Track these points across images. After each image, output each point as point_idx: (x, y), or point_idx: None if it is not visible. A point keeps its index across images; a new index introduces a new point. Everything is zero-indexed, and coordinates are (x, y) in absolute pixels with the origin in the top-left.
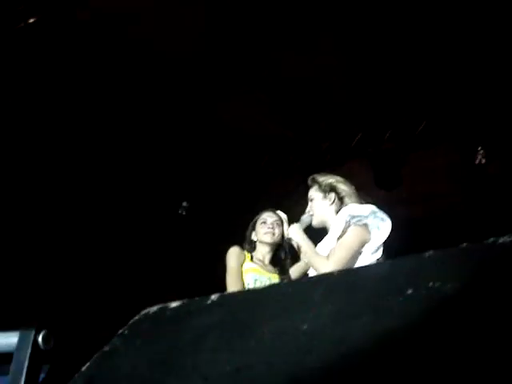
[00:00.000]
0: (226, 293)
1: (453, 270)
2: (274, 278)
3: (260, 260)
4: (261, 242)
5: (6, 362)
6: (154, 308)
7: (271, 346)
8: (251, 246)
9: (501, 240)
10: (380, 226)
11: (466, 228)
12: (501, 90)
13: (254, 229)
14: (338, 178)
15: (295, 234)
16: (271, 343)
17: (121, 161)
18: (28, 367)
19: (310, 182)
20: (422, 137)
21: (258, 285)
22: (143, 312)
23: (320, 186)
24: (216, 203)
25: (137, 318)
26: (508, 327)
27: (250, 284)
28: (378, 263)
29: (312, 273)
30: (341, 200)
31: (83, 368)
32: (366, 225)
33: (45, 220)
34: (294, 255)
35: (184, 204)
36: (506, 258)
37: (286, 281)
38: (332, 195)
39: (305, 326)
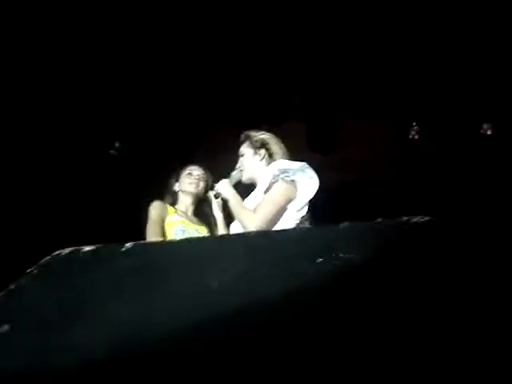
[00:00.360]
0: (141, 242)
1: (363, 243)
2: (202, 231)
3: (183, 212)
4: (184, 191)
5: None
6: (66, 250)
7: (178, 301)
8: (173, 198)
9: (414, 219)
10: (307, 183)
11: (393, 201)
12: (443, 71)
13: (177, 180)
14: (270, 135)
15: (224, 188)
16: (179, 298)
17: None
18: None
19: (242, 137)
20: (361, 106)
21: (187, 236)
22: (55, 253)
23: (251, 141)
24: (149, 149)
25: (48, 258)
26: (405, 298)
27: (178, 235)
28: (295, 228)
29: (238, 227)
30: (271, 156)
31: None
32: (293, 181)
33: None
34: (224, 211)
35: (116, 145)
36: (415, 237)
37: (210, 235)
38: (262, 151)
39: (214, 283)
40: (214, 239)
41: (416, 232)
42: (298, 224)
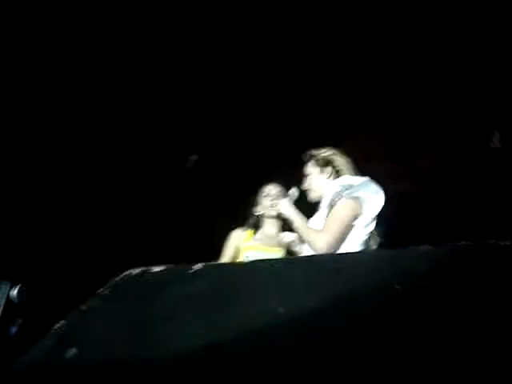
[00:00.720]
0: (209, 263)
1: (445, 269)
2: (276, 253)
3: (267, 235)
4: (266, 215)
5: None
6: (136, 270)
7: (246, 327)
8: (256, 221)
9: (503, 243)
10: (372, 198)
11: (469, 212)
12: None
13: (257, 204)
14: (334, 151)
15: (286, 208)
16: (246, 324)
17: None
18: (0, 320)
19: (306, 157)
20: (440, 116)
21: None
22: (125, 273)
23: (316, 160)
24: (227, 162)
25: (118, 279)
26: (492, 334)
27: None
28: (370, 252)
29: (306, 248)
30: (337, 173)
31: (57, 325)
32: (357, 197)
33: (25, 168)
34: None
35: (193, 157)
36: (505, 264)
37: (285, 256)
38: (329, 169)
39: (281, 310)
40: (284, 261)
41: (506, 258)
42: (367, 240)
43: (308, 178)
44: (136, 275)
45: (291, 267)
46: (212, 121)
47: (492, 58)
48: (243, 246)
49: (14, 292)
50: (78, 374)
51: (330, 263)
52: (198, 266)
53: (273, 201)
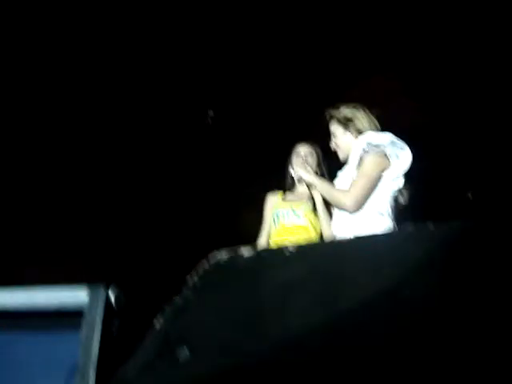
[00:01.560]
0: (303, 245)
1: None
2: (299, 207)
3: (297, 192)
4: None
5: (71, 316)
6: (224, 256)
7: (364, 311)
8: (290, 180)
9: None
10: (399, 154)
11: None
12: None
13: (291, 163)
14: (354, 107)
15: (305, 174)
16: (360, 307)
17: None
18: (102, 325)
19: (327, 116)
20: None
21: (279, 218)
22: (213, 260)
23: (338, 119)
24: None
25: (207, 267)
26: None
27: (273, 222)
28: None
29: (335, 210)
30: (360, 130)
31: (156, 323)
32: (384, 153)
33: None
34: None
35: (210, 113)
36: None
37: (311, 208)
38: (352, 127)
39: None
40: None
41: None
42: (395, 196)
43: (333, 138)
44: (226, 262)
45: (377, 243)
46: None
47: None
48: (274, 205)
49: (112, 296)
50: (197, 380)
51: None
52: (292, 247)
53: (301, 161)
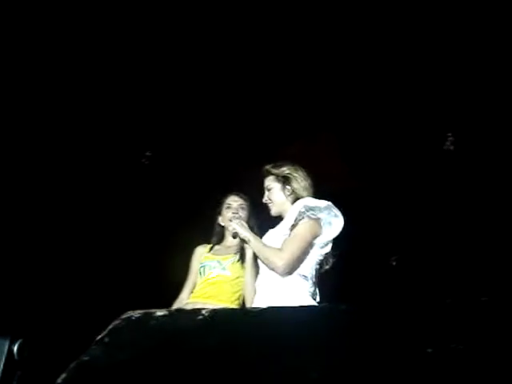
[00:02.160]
0: (215, 310)
1: (476, 330)
2: (227, 260)
3: (224, 245)
4: (226, 227)
5: None
6: (137, 314)
7: None
8: (219, 233)
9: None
10: (332, 221)
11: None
12: None
13: (220, 214)
14: (294, 170)
15: (240, 228)
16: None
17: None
18: (1, 376)
19: (265, 171)
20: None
21: (205, 270)
22: (124, 316)
23: (277, 176)
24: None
25: (117, 323)
26: None
27: (198, 273)
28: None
29: (262, 266)
30: (296, 192)
31: (59, 380)
32: (319, 219)
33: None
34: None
35: (147, 153)
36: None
37: (236, 261)
38: (289, 186)
39: (313, 374)
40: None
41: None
42: (322, 260)
43: (267, 192)
44: (137, 319)
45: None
46: (172, 118)
47: (444, 61)
48: (202, 257)
49: (15, 347)
50: None
51: (348, 316)
52: (206, 311)
53: (234, 214)
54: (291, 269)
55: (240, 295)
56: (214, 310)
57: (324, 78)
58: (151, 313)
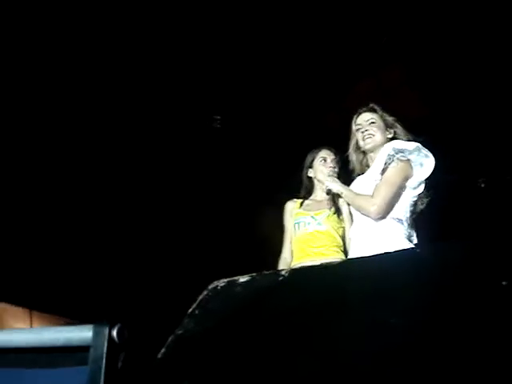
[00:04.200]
0: (295, 269)
1: None
2: (320, 215)
3: (315, 200)
4: (320, 180)
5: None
6: (222, 283)
7: (367, 339)
8: (308, 188)
9: None
10: (423, 162)
11: None
12: None
13: (311, 167)
14: (396, 121)
15: (333, 184)
16: (355, 342)
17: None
18: (106, 361)
19: (372, 108)
20: None
21: (300, 227)
22: (211, 287)
23: (384, 118)
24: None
25: (205, 294)
26: None
27: (296, 229)
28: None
29: (356, 216)
30: (397, 138)
31: (160, 354)
32: (409, 160)
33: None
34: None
35: (217, 117)
36: None
37: (331, 214)
38: (392, 131)
39: (392, 320)
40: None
41: None
42: (415, 202)
43: (372, 125)
44: (223, 288)
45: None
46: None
47: None
48: (294, 214)
49: (114, 331)
50: None
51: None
52: (285, 272)
53: (331, 167)
54: (384, 213)
55: (340, 246)
56: (294, 269)
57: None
58: (235, 280)
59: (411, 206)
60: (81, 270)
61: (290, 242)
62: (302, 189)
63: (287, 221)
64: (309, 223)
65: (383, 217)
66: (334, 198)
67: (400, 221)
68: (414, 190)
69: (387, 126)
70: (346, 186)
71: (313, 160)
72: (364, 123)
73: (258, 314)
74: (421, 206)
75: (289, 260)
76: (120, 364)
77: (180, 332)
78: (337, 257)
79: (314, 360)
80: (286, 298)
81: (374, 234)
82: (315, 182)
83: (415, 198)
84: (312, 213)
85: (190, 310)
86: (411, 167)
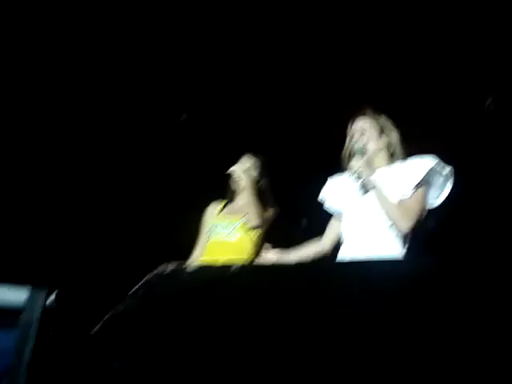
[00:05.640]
0: (247, 264)
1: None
2: (235, 221)
3: (235, 205)
4: (238, 186)
5: (8, 315)
6: (169, 268)
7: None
8: (232, 190)
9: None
10: (445, 190)
11: None
12: None
13: (235, 174)
14: (392, 122)
15: (368, 173)
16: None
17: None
18: (38, 326)
19: (363, 112)
20: None
21: (214, 231)
22: (158, 270)
23: (377, 121)
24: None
25: (151, 276)
26: None
27: (210, 232)
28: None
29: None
30: (392, 146)
31: (93, 331)
32: (437, 182)
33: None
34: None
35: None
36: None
37: (245, 223)
38: (386, 139)
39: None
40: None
41: None
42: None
43: (363, 134)
44: (171, 273)
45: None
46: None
47: None
48: (213, 217)
49: (51, 298)
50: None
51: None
52: (236, 266)
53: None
54: (411, 230)
55: (248, 256)
56: (245, 265)
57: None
58: (182, 268)
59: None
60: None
61: (203, 244)
62: (228, 193)
63: (205, 223)
64: (224, 228)
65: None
66: (252, 204)
67: (404, 239)
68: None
69: (381, 132)
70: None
71: (236, 168)
72: (356, 132)
73: (199, 302)
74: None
75: (198, 260)
76: (51, 332)
77: (119, 310)
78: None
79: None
80: (229, 291)
81: (376, 247)
82: (236, 190)
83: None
84: (229, 219)
85: (134, 290)
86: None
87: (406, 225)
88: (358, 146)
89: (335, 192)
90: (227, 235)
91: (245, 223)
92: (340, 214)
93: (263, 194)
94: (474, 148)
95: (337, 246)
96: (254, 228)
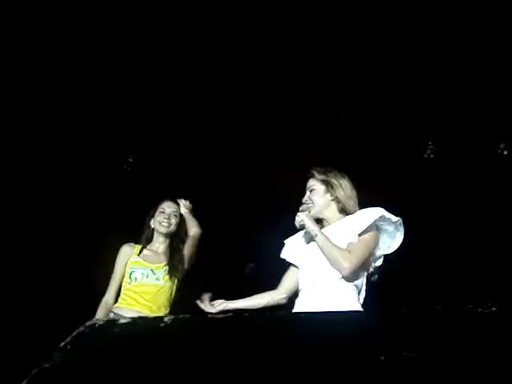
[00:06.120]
0: (178, 316)
1: (427, 338)
2: (158, 269)
3: (153, 250)
4: (156, 230)
5: None
6: (100, 321)
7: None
8: (148, 234)
9: (480, 309)
10: (397, 238)
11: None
12: None
13: (153, 216)
14: (341, 175)
15: (309, 222)
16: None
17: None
18: None
19: (311, 173)
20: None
21: (137, 277)
22: (88, 323)
23: (323, 180)
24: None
25: (81, 330)
26: None
27: (132, 278)
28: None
29: (323, 264)
30: (340, 200)
31: None
32: (385, 231)
33: None
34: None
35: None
36: (485, 331)
37: (169, 271)
38: (333, 192)
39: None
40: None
41: (485, 324)
42: (372, 272)
43: (311, 193)
44: (101, 327)
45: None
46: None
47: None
48: (130, 262)
49: None
50: None
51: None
52: (168, 318)
53: (166, 219)
54: (354, 273)
55: (170, 304)
56: (176, 317)
57: None
58: (115, 320)
59: (367, 276)
60: None
61: (117, 286)
62: (143, 237)
63: (120, 263)
64: (147, 276)
65: (353, 278)
66: (172, 251)
67: (357, 287)
68: (374, 262)
69: (331, 188)
70: (320, 230)
71: (155, 210)
72: (307, 190)
73: (131, 356)
74: (372, 279)
75: (111, 302)
76: None
77: (47, 365)
78: (160, 315)
79: None
80: (166, 342)
81: (330, 298)
82: (155, 233)
83: (372, 269)
84: (152, 265)
85: (63, 344)
86: (380, 237)
87: (347, 264)
88: (304, 200)
89: (291, 244)
90: (149, 281)
91: (168, 270)
92: (295, 266)
93: (183, 240)
94: (421, 200)
95: (292, 297)
96: (177, 275)
